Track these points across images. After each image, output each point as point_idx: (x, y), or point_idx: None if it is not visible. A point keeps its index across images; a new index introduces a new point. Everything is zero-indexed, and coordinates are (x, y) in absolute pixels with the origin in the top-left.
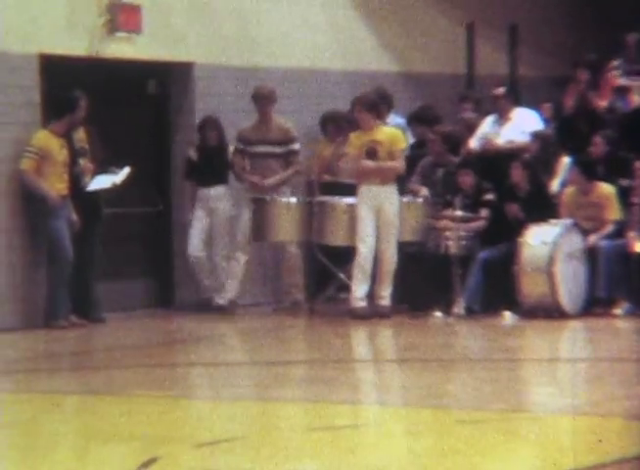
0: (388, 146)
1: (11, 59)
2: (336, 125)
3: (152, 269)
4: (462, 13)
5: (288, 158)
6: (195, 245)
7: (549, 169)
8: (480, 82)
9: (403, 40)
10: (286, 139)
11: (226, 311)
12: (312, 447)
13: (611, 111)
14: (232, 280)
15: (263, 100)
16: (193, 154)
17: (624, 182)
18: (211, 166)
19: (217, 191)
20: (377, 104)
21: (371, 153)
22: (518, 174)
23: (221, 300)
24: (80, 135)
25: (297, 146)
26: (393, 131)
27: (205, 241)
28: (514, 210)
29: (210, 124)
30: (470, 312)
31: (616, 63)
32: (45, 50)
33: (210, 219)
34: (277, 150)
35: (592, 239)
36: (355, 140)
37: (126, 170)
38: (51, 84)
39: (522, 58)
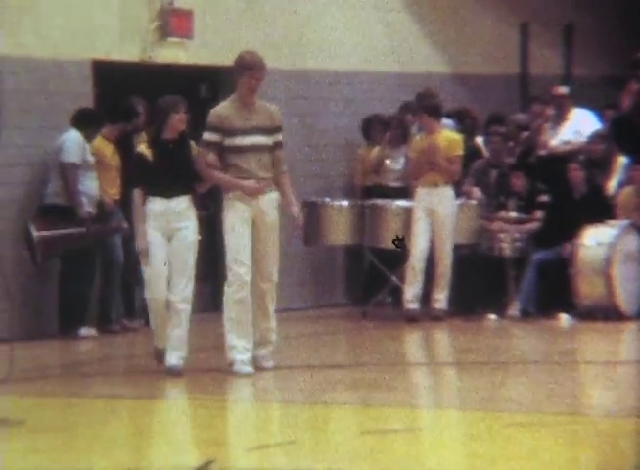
0: (446, 151)
1: (64, 65)
2: (379, 128)
3: (203, 273)
4: (516, 13)
5: (274, 151)
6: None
7: (607, 170)
8: (534, 83)
9: (456, 41)
10: (274, 127)
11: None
12: (365, 451)
13: None
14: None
15: (260, 71)
16: (145, 150)
17: None
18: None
19: (180, 204)
20: (439, 107)
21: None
22: (577, 176)
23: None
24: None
25: (281, 136)
26: (453, 137)
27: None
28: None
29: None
30: (525, 315)
31: None
32: (98, 56)
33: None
34: (267, 141)
35: None
36: (417, 143)
37: None
38: (104, 90)
39: (576, 58)
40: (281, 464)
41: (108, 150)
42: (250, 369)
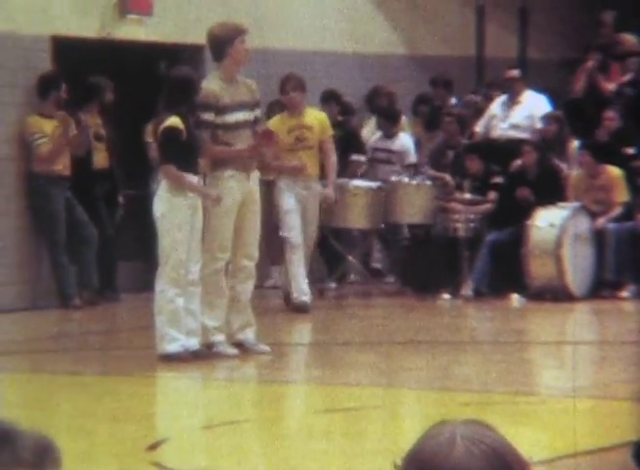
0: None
1: (23, 40)
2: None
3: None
4: None
5: (254, 127)
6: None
7: (562, 152)
8: (489, 65)
9: (413, 22)
10: (255, 101)
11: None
12: (321, 429)
13: (619, 94)
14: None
15: (247, 33)
16: (180, 125)
17: (629, 151)
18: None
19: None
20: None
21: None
22: (529, 158)
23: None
24: (97, 120)
25: (259, 111)
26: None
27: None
28: (525, 194)
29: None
30: (478, 295)
31: None
32: (57, 32)
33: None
34: (250, 117)
35: (600, 222)
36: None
37: None
38: (63, 66)
39: (531, 40)
40: (236, 442)
41: (46, 126)
42: (234, 350)
